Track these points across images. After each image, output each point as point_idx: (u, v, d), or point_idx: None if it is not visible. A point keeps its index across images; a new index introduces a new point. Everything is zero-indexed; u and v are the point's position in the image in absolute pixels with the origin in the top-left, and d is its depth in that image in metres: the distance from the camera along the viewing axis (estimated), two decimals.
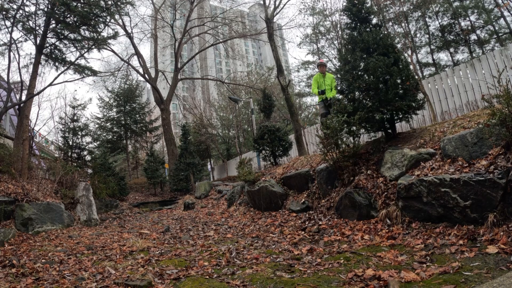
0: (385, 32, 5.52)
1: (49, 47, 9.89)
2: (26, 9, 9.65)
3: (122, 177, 14.34)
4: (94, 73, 11.46)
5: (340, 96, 5.61)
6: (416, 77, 6.39)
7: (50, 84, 9.28)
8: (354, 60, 5.24)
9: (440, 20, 17.88)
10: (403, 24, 13.78)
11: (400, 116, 5.07)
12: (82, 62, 11.16)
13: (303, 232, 4.75)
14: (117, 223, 8.27)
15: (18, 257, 4.03)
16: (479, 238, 2.97)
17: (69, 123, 13.12)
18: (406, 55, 7.87)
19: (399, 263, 2.81)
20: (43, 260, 3.86)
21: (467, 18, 17.17)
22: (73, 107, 13.28)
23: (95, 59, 22.46)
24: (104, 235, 6.08)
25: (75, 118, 13.21)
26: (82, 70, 10.67)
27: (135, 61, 44.59)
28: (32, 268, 3.32)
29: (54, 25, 9.44)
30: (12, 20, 8.92)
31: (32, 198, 6.83)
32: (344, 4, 5.80)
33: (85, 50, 10.12)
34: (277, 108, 19.03)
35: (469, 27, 16.76)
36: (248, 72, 27.81)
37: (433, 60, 18.98)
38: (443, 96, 8.03)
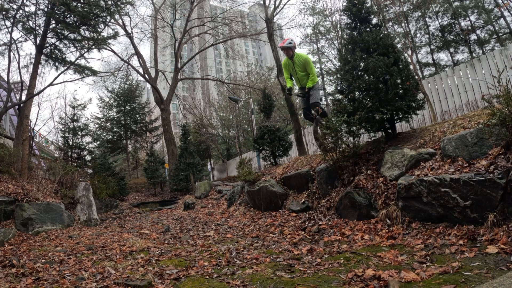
0: (385, 32, 5.51)
1: (49, 47, 9.89)
2: (26, 9, 9.68)
3: (122, 177, 14.35)
4: (94, 73, 11.46)
5: (340, 96, 5.61)
6: (416, 77, 6.38)
7: (50, 84, 9.28)
8: (354, 60, 5.23)
9: (440, 20, 17.89)
10: (403, 24, 13.78)
11: (400, 116, 5.07)
12: (82, 62, 11.18)
13: (303, 232, 4.75)
14: (117, 223, 8.27)
15: (18, 257, 4.03)
16: (479, 238, 2.97)
17: (69, 123, 13.13)
18: (406, 55, 7.87)
19: (399, 263, 2.81)
20: (43, 260, 3.86)
21: (467, 18, 17.17)
22: (73, 107, 13.29)
23: (95, 59, 22.48)
24: (104, 235, 6.08)
25: (75, 118, 13.22)
26: (82, 70, 10.67)
27: (135, 61, 44.62)
28: (32, 268, 3.32)
29: (54, 25, 9.44)
30: (12, 20, 8.92)
31: (32, 198, 6.83)
32: (344, 4, 5.80)
33: (85, 50, 10.13)
34: (277, 108, 19.04)
35: (469, 27, 16.76)
36: (248, 72, 27.81)
37: (433, 60, 18.99)
38: (443, 96, 8.03)
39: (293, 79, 6.11)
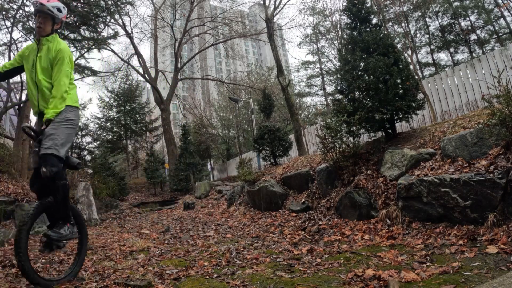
0: (385, 32, 5.52)
1: None
2: (26, 9, 9.67)
3: (122, 177, 14.35)
4: (94, 73, 11.48)
5: (340, 96, 5.61)
6: (416, 77, 6.39)
7: None
8: (354, 60, 5.24)
9: (440, 20, 17.91)
10: (403, 24, 13.79)
11: (400, 116, 5.07)
12: (82, 62, 11.17)
13: (303, 232, 4.75)
14: (117, 223, 8.27)
15: None
16: (479, 238, 2.97)
17: None
18: (406, 55, 7.88)
19: (399, 263, 2.81)
20: (43, 260, 3.85)
21: (467, 18, 17.18)
22: None
23: (95, 59, 22.53)
24: (104, 235, 6.07)
25: None
26: (82, 70, 10.69)
27: (135, 61, 44.61)
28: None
29: None
30: (12, 20, 8.93)
31: (32, 198, 6.82)
32: (344, 4, 5.80)
33: (85, 50, 10.14)
34: (277, 108, 19.06)
35: (469, 27, 16.77)
36: (248, 72, 27.83)
37: (433, 60, 19.00)
38: (443, 96, 8.03)
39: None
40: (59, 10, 2.89)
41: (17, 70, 3.00)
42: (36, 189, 2.82)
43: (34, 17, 2.90)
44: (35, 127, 2.70)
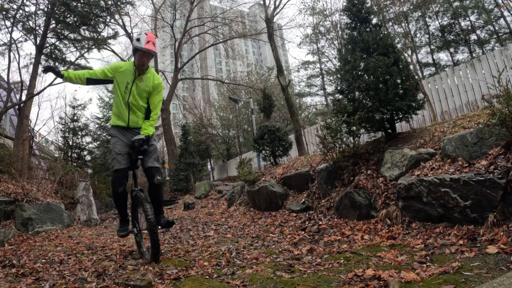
0: (385, 32, 5.52)
1: (49, 47, 9.90)
2: (26, 9, 9.69)
3: None
4: None
5: (340, 96, 5.61)
6: (416, 77, 6.39)
7: (50, 84, 9.29)
8: (354, 60, 5.23)
9: (440, 20, 17.91)
10: (403, 24, 13.80)
11: (400, 116, 5.07)
12: (82, 62, 11.17)
13: (303, 232, 4.75)
14: (117, 223, 8.27)
15: (18, 257, 4.03)
16: (479, 238, 2.97)
17: (69, 123, 13.15)
18: (406, 55, 7.88)
19: (399, 263, 2.81)
20: (43, 260, 3.85)
21: (467, 18, 17.19)
22: (73, 107, 13.33)
23: (95, 59, 22.55)
24: (104, 235, 6.08)
25: (75, 118, 13.25)
26: None
27: None
28: (32, 268, 3.31)
29: (54, 25, 9.44)
30: (12, 20, 8.93)
31: (32, 198, 6.83)
32: (344, 4, 5.80)
33: (85, 50, 10.14)
34: (277, 108, 19.06)
35: (469, 27, 16.78)
36: (248, 72, 27.84)
37: (433, 60, 19.01)
38: (443, 96, 8.03)
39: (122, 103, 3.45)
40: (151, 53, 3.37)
41: (103, 81, 3.57)
42: (123, 189, 3.52)
43: (134, 52, 3.43)
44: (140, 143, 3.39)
